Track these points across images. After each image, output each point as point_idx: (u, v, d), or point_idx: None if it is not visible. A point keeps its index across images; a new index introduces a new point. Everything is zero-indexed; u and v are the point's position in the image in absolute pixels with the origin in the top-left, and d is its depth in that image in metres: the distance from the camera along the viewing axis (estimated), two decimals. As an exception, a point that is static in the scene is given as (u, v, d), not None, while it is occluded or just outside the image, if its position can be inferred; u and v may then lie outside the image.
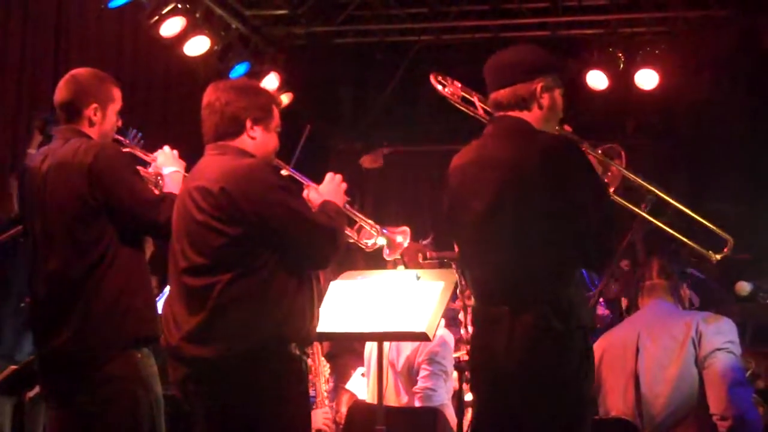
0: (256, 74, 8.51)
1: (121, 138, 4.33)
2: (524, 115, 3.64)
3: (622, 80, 8.75)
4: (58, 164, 3.99)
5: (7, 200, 5.94)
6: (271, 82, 8.60)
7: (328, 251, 3.76)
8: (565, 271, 3.55)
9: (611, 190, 3.88)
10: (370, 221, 4.36)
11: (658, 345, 4.56)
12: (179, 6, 7.40)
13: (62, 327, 3.93)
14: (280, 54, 9.15)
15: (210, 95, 3.83)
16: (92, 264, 3.93)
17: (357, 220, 4.32)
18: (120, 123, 4.23)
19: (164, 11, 7.33)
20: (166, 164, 4.22)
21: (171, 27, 7.43)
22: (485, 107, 3.93)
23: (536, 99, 3.64)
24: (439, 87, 4.17)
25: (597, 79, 8.77)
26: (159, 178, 4.21)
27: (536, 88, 3.64)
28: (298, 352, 3.68)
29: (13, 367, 4.76)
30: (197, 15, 7.77)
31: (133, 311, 3.97)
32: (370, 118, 10.47)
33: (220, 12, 8.28)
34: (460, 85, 4.18)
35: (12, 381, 4.71)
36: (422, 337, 4.37)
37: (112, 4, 6.90)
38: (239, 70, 8.40)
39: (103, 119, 4.14)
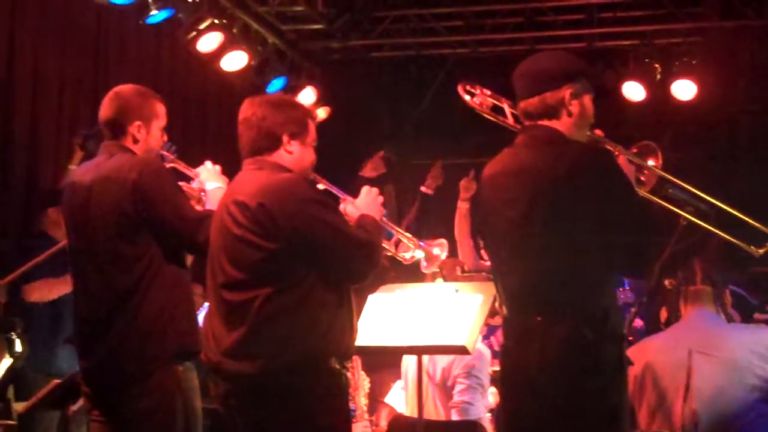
0: (293, 89, 8.56)
1: (165, 153, 4.37)
2: (554, 123, 3.61)
3: (658, 91, 8.72)
4: (103, 179, 4.02)
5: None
6: (307, 96, 8.65)
7: (365, 265, 3.76)
8: (598, 279, 3.52)
9: (647, 188, 3.86)
10: (407, 234, 4.37)
11: (714, 363, 4.47)
12: (216, 22, 7.45)
13: (105, 341, 3.98)
14: (317, 68, 9.21)
15: (246, 110, 3.85)
16: (136, 279, 3.96)
17: (394, 233, 4.34)
18: (165, 138, 4.27)
19: (201, 27, 7.38)
20: (209, 180, 4.25)
21: (208, 42, 7.49)
22: (515, 113, 3.89)
23: (565, 107, 3.60)
24: (467, 97, 4.17)
25: (634, 91, 8.75)
26: (202, 193, 4.24)
27: (564, 96, 3.60)
28: (338, 366, 3.69)
29: (56, 381, 4.80)
30: (234, 30, 7.83)
31: (176, 326, 4.00)
32: (405, 131, 10.49)
33: (256, 27, 8.34)
34: (489, 93, 4.17)
35: (55, 395, 4.74)
36: (462, 350, 4.38)
37: (151, 21, 6.96)
38: (276, 84, 8.45)
39: (147, 135, 4.17)
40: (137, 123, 4.14)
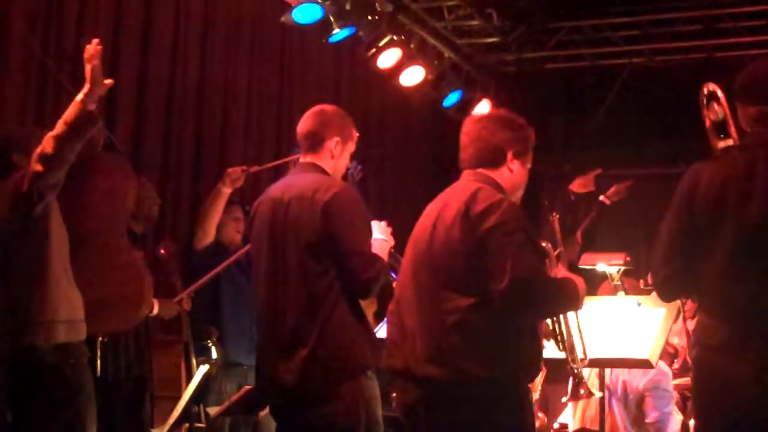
0: (469, 101, 8.66)
1: (352, 171, 4.52)
2: None
3: None
4: (299, 197, 4.18)
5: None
6: (483, 108, 8.72)
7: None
8: None
9: None
10: None
11: None
12: (395, 38, 7.61)
13: (294, 354, 4.09)
14: (492, 81, 9.28)
15: (473, 124, 3.90)
16: (323, 292, 4.08)
17: None
18: (351, 165, 4.42)
19: (381, 43, 7.55)
20: (376, 232, 4.34)
21: (387, 59, 7.64)
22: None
23: None
24: (706, 100, 3.82)
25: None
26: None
27: None
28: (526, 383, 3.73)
29: (248, 387, 4.98)
30: (412, 46, 7.98)
31: (363, 337, 4.11)
32: (581, 142, 10.43)
33: (433, 42, 8.47)
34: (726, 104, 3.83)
35: (247, 400, 4.92)
36: (645, 364, 4.38)
37: (333, 39, 7.16)
38: (452, 98, 8.56)
39: (341, 154, 4.33)
40: (336, 139, 4.29)
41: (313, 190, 4.12)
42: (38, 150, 3.89)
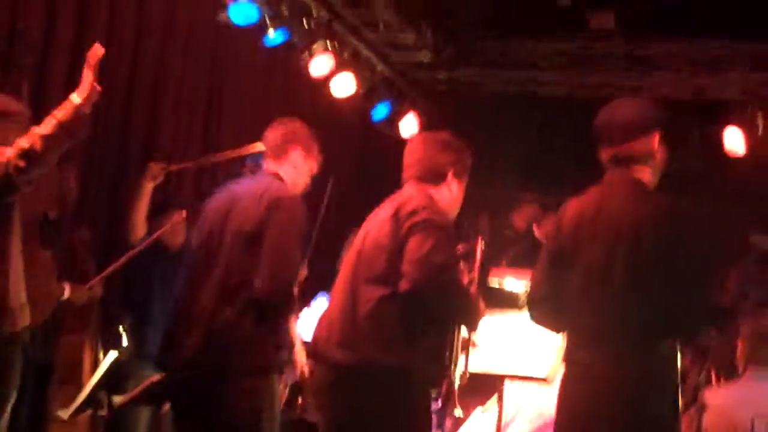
0: (397, 114, 8.77)
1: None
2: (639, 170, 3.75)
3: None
4: (252, 192, 4.32)
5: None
6: (409, 123, 8.83)
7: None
8: None
9: None
10: None
11: None
12: (329, 46, 7.63)
13: (198, 334, 4.23)
14: (422, 98, 9.37)
15: (419, 142, 4.23)
16: (238, 285, 4.19)
17: None
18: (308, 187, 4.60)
19: (314, 48, 7.56)
20: None
21: (320, 66, 7.65)
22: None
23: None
24: None
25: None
26: None
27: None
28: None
29: (154, 377, 5.00)
30: (345, 56, 8.01)
31: (263, 341, 4.23)
32: (503, 165, 10.56)
33: (367, 53, 8.53)
34: None
35: (152, 391, 4.95)
36: (543, 381, 4.50)
37: (269, 43, 7.20)
38: (381, 111, 8.66)
39: (302, 168, 4.50)
40: (300, 150, 4.46)
41: (265, 188, 4.28)
42: (25, 145, 3.82)
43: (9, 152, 3.86)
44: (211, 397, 4.12)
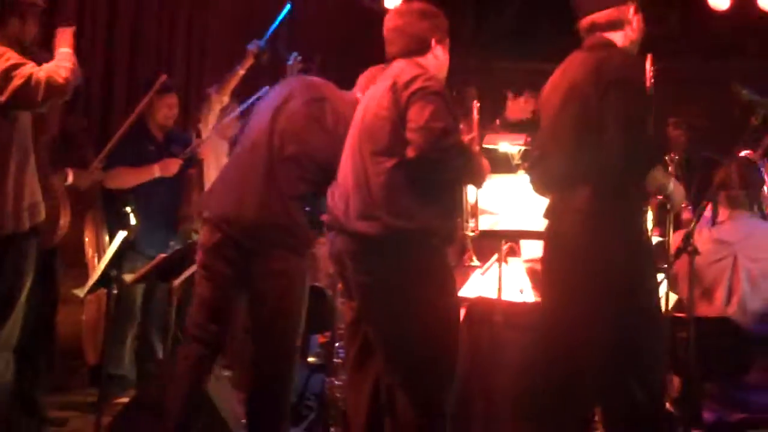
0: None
1: None
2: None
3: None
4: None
5: None
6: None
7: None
8: None
9: None
10: None
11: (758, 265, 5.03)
12: None
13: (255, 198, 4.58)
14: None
15: (396, 19, 4.24)
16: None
17: None
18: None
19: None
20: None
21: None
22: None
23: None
24: None
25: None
26: None
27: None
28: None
29: (163, 255, 5.13)
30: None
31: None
32: (488, 36, 10.55)
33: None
34: None
35: (161, 268, 5.10)
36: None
37: None
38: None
39: None
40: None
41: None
42: (61, 76, 4.22)
43: (41, 73, 4.22)
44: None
